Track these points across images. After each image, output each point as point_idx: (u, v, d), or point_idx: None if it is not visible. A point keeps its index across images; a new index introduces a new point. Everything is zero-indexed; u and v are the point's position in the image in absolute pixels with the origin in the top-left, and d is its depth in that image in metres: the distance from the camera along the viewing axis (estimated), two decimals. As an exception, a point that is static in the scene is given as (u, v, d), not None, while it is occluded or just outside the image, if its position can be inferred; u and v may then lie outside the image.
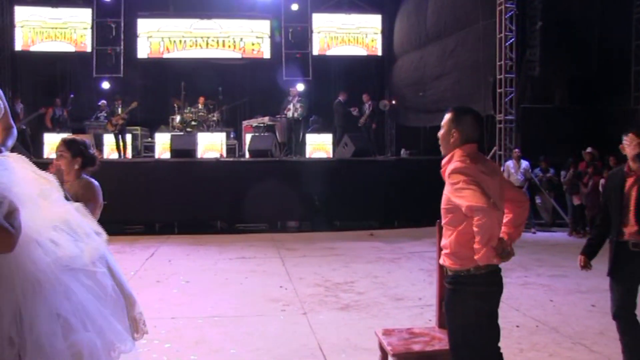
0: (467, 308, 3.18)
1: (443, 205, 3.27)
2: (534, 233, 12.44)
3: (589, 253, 4.42)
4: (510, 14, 13.27)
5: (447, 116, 3.33)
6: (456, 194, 3.11)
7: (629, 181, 4.21)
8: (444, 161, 3.31)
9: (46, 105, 16.01)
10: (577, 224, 12.52)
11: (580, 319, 6.01)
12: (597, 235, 4.51)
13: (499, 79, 13.40)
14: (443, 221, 3.29)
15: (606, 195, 4.63)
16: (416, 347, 3.53)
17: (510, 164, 12.82)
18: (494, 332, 3.28)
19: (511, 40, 13.32)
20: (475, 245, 3.05)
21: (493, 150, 13.62)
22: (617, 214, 4.23)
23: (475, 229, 3.01)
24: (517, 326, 5.72)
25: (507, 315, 5.80)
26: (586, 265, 4.41)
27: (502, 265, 3.28)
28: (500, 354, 3.33)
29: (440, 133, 3.36)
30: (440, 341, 3.59)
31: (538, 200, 13.23)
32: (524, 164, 12.85)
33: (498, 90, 13.44)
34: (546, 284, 7.68)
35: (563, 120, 13.50)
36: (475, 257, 3.07)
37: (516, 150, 12.97)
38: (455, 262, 3.19)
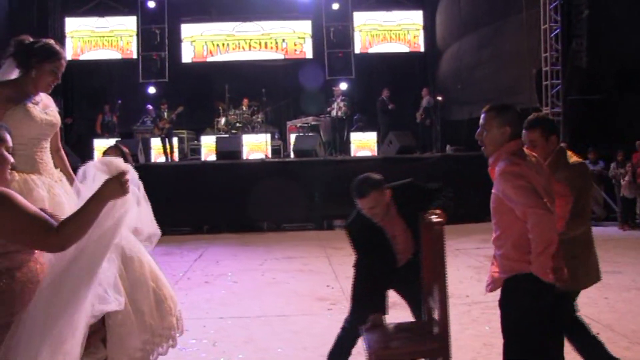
0: (521, 305, 3.14)
1: (492, 205, 3.23)
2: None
3: None
4: (554, 4, 13.01)
5: (487, 114, 3.23)
6: (510, 198, 3.08)
7: None
8: (491, 159, 3.24)
9: (95, 111, 16.42)
10: (628, 217, 12.18)
11: (637, 317, 5.73)
12: None
13: (544, 71, 13.15)
14: (493, 221, 3.26)
15: None
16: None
17: (557, 157, 12.54)
18: (549, 329, 3.24)
19: (556, 31, 13.05)
20: (532, 256, 3.02)
21: (540, 144, 13.34)
22: None
23: (530, 236, 2.99)
24: (569, 323, 5.59)
25: (558, 311, 5.68)
26: None
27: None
28: (559, 352, 3.27)
29: (480, 132, 3.27)
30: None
31: (589, 193, 12.90)
32: (572, 156, 12.55)
33: (544, 83, 13.18)
34: (599, 280, 7.48)
35: (613, 111, 13.10)
36: (531, 268, 3.03)
37: (563, 144, 12.68)
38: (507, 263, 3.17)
